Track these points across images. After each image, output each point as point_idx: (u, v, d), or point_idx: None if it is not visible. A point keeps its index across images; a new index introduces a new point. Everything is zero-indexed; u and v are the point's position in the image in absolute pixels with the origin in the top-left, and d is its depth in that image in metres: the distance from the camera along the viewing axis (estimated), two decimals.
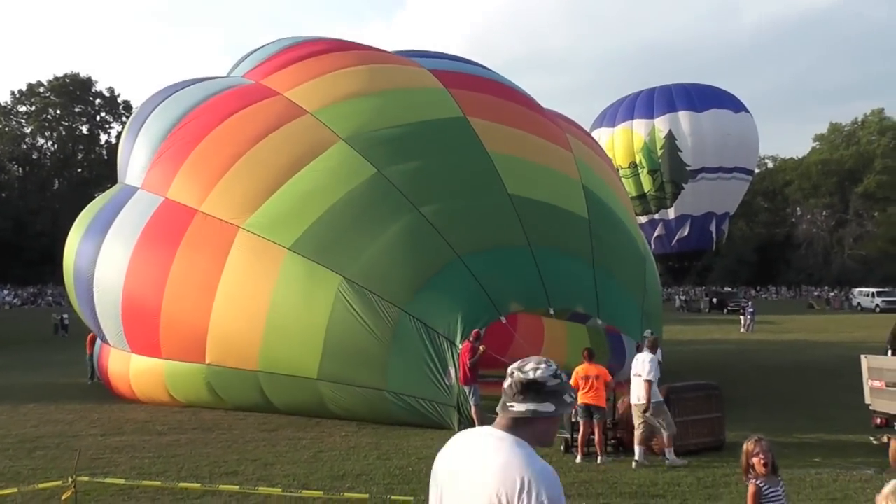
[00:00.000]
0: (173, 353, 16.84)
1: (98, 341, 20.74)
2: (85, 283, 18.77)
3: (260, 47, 21.69)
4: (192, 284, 16.39)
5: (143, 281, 17.19)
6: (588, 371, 12.55)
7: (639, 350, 16.14)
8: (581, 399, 12.37)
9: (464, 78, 20.02)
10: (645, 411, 12.00)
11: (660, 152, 50.01)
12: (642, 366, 12.22)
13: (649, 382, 11.99)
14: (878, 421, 13.91)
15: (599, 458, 12.14)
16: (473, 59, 22.64)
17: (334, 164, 16.71)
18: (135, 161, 19.53)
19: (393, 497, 9.48)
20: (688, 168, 50.02)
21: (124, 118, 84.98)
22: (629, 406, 13.00)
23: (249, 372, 15.79)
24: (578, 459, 12.14)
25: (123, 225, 18.23)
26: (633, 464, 11.90)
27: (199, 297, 16.16)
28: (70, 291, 20.47)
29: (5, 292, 73.58)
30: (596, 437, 12.31)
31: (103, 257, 18.27)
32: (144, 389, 18.05)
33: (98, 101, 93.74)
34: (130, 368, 18.14)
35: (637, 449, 12.03)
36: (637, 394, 12.22)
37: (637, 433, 12.13)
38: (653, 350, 12.78)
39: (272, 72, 19.49)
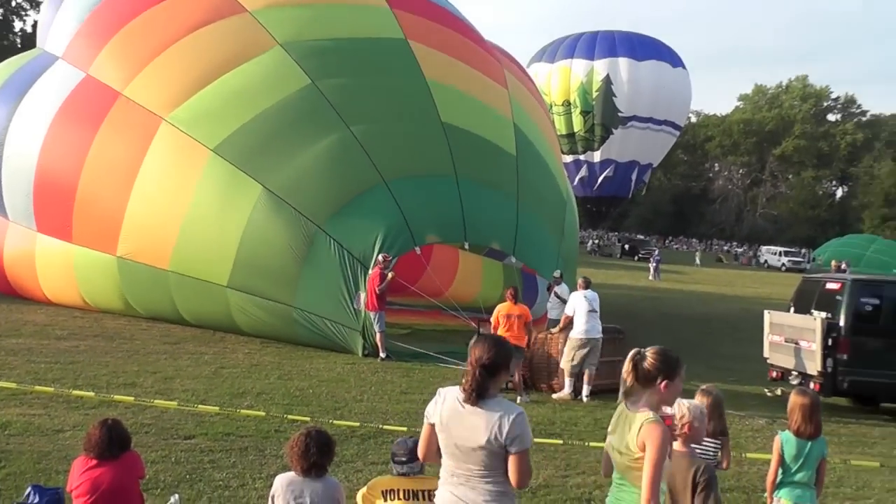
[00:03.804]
0: (85, 239, 16.22)
1: None
2: None
3: None
4: (111, 171, 15.81)
5: (59, 158, 16.46)
6: (511, 310, 12.57)
7: (549, 290, 16.41)
8: None
9: None
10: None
11: (595, 94, 50.45)
12: (596, 301, 13.01)
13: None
14: (774, 374, 14.50)
15: (519, 397, 12.16)
16: None
17: (269, 68, 16.20)
18: (58, 27, 18.39)
19: (290, 416, 9.44)
20: (620, 114, 50.66)
21: (41, 7, 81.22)
22: (535, 343, 13.22)
23: (160, 270, 15.38)
24: None
25: (40, 95, 17.34)
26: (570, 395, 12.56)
27: (117, 186, 15.62)
28: None
29: None
30: (515, 378, 12.33)
31: (17, 125, 17.34)
32: (50, 273, 17.29)
33: None
34: (36, 248, 17.27)
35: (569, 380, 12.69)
36: (598, 328, 12.79)
37: (571, 367, 12.62)
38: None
39: None
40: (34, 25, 65.37)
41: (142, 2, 17.44)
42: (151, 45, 16.56)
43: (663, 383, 4.00)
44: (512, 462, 3.77)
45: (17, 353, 12.64)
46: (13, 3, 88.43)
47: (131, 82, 16.20)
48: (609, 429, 4.27)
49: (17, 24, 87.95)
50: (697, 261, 65.84)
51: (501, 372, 3.89)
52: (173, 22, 16.83)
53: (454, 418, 3.87)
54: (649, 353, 4.07)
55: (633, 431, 3.99)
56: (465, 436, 3.82)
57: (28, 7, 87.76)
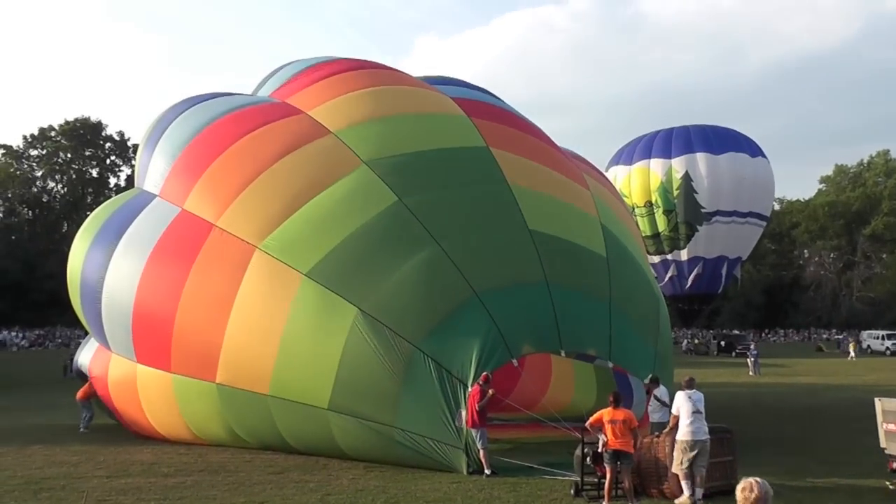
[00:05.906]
0: (184, 368, 16.67)
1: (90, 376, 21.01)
2: (93, 288, 18.69)
3: (286, 64, 21.74)
4: (207, 301, 16.28)
5: (156, 293, 17.08)
6: (615, 416, 12.24)
7: (649, 393, 16.05)
8: (609, 445, 12.13)
9: (485, 108, 19.96)
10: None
11: (676, 193, 50.26)
12: (701, 402, 12.47)
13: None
14: (894, 465, 13.70)
15: None
16: None
17: (355, 188, 16.59)
18: (153, 167, 19.51)
19: None
20: (703, 210, 50.23)
21: (133, 162, 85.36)
22: (641, 448, 12.85)
23: (260, 395, 15.61)
24: None
25: (138, 234, 18.22)
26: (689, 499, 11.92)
27: (214, 315, 16.04)
28: (74, 296, 20.20)
29: (13, 334, 73.44)
30: (625, 484, 12.03)
31: (115, 265, 18.20)
32: (152, 402, 17.84)
33: (108, 144, 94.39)
34: (138, 378, 17.92)
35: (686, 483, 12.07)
36: (703, 429, 12.27)
37: (684, 469, 12.10)
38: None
39: (297, 90, 19.49)
40: (128, 179, 68.44)
41: (228, 137, 18.27)
42: (241, 176, 17.22)
43: None
44: None
45: (126, 493, 12.85)
46: (107, 162, 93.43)
47: (224, 213, 16.83)
48: None
49: (112, 180, 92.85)
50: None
51: None
52: (261, 152, 17.51)
53: None
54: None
55: None
56: None
57: (121, 163, 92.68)
